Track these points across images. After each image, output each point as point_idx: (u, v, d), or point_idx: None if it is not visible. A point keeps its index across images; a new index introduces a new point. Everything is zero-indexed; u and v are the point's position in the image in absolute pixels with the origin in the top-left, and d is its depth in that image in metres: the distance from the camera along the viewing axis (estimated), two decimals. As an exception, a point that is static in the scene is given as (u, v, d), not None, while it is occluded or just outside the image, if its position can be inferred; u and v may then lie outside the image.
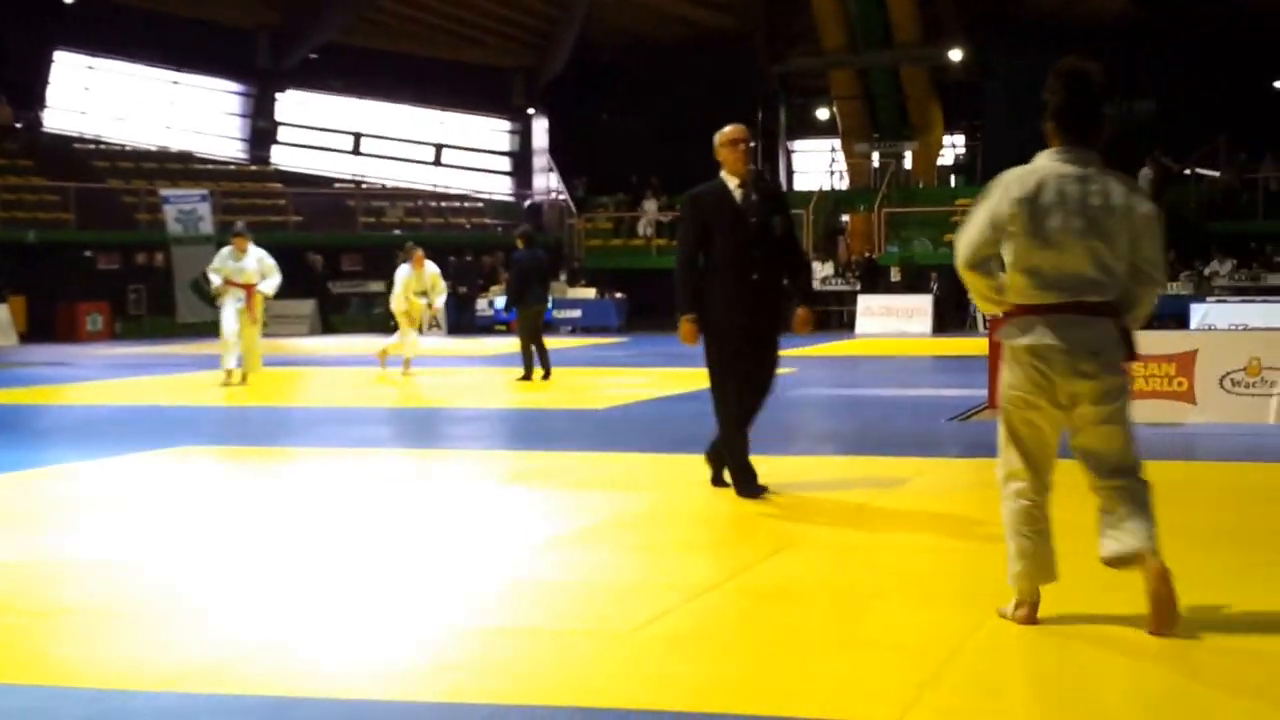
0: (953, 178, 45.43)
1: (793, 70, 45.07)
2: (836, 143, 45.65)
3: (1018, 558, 5.88)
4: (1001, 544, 6.03)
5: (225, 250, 19.30)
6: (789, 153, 49.00)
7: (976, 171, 44.42)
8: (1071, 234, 5.68)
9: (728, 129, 9.31)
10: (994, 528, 7.88)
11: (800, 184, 47.72)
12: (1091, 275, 5.69)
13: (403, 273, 20.60)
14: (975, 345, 22.38)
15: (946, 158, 46.29)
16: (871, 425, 13.95)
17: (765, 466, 10.48)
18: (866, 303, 34.92)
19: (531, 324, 19.35)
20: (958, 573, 7.03)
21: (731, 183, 9.25)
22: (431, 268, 20.78)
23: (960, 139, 46.57)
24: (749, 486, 9.27)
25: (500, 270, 38.43)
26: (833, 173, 45.92)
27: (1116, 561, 5.78)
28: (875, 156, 43.70)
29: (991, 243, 5.79)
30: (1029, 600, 5.88)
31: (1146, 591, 5.66)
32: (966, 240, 5.87)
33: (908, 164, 43.42)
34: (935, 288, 35.38)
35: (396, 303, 20.61)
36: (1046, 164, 5.85)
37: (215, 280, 19.11)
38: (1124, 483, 5.82)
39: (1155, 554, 5.68)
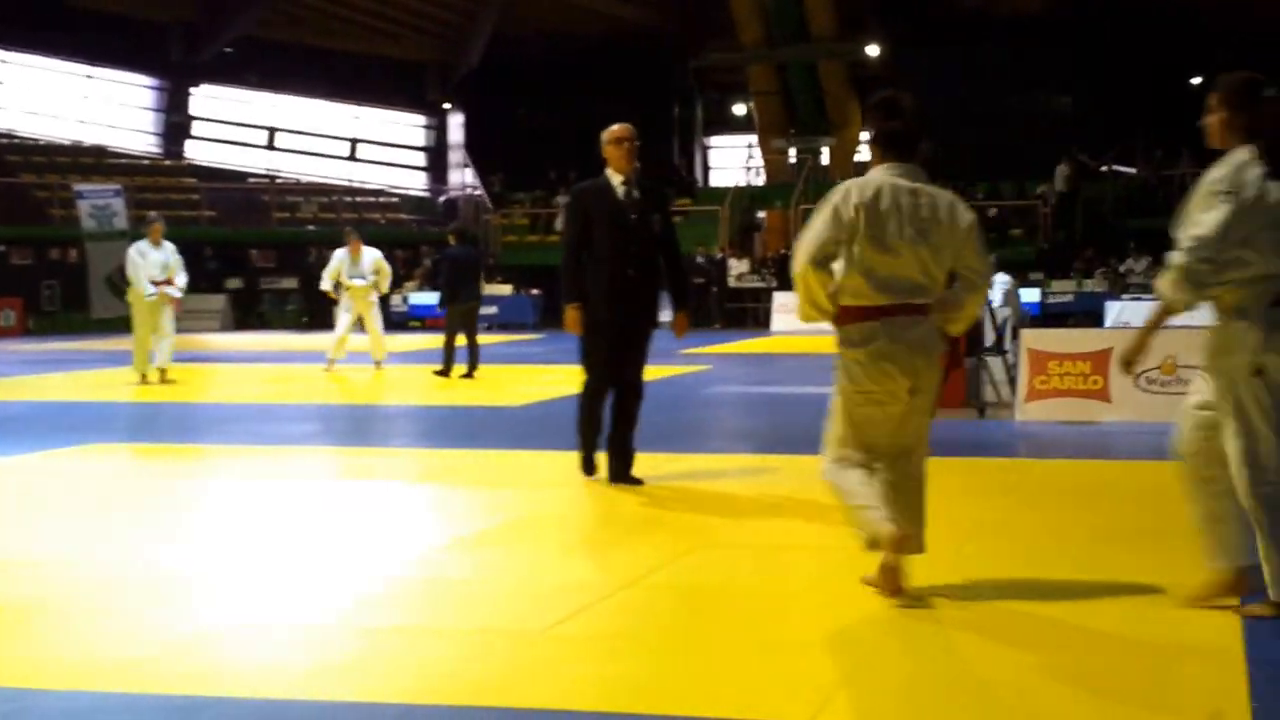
0: (869, 174, 45.71)
1: (709, 65, 45.10)
2: (753, 139, 45.76)
3: (867, 510, 6.19)
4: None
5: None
6: (705, 148, 49.12)
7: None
8: (905, 241, 6.17)
9: (614, 127, 9.61)
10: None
11: (716, 180, 47.85)
12: (919, 280, 6.20)
13: (337, 256, 20.62)
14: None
15: (864, 154, 46.51)
16: (786, 423, 13.99)
17: (680, 464, 10.55)
18: (782, 300, 34.96)
19: (464, 320, 19.21)
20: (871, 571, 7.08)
21: (615, 180, 9.54)
22: (372, 253, 20.67)
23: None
24: (588, 467, 9.76)
25: (424, 266, 38.34)
26: (749, 169, 46.03)
27: (876, 544, 6.23)
28: (792, 153, 43.77)
29: (834, 242, 6.17)
30: (892, 565, 6.13)
31: (880, 561, 6.18)
32: (811, 239, 6.20)
33: (825, 160, 43.56)
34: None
35: (324, 282, 20.65)
36: (882, 176, 6.29)
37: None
38: (912, 469, 6.37)
39: (915, 537, 6.25)
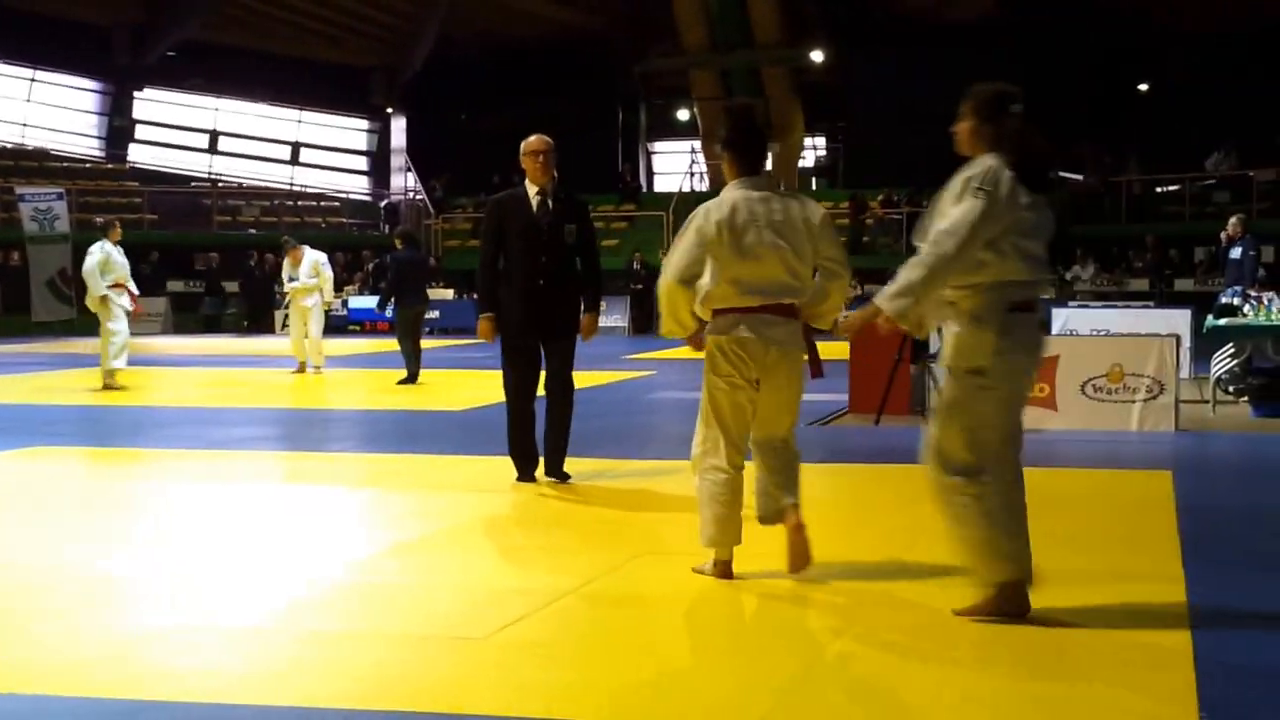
0: (814, 180, 45.74)
1: (653, 70, 45.10)
2: (697, 144, 45.81)
3: (713, 522, 6.82)
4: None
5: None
6: (649, 153, 49.12)
7: (839, 173, 44.83)
8: (765, 246, 6.71)
9: (531, 139, 9.85)
10: (848, 533, 8.02)
11: (660, 185, 47.83)
12: (785, 279, 6.74)
13: (288, 268, 21.01)
14: (837, 349, 22.53)
15: (808, 160, 46.64)
16: (730, 427, 14.00)
17: (622, 469, 10.59)
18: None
19: (411, 326, 19.10)
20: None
21: (531, 191, 9.80)
22: (313, 256, 20.71)
23: (821, 141, 46.95)
24: (524, 474, 10.00)
25: (365, 270, 38.24)
26: (693, 174, 46.06)
27: (768, 519, 6.94)
28: (735, 158, 43.77)
29: (699, 260, 6.70)
30: (725, 559, 6.88)
31: (787, 541, 6.80)
32: (679, 259, 6.73)
33: (768, 165, 43.57)
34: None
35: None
36: (734, 193, 6.86)
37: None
38: (782, 449, 6.95)
39: (797, 508, 6.83)
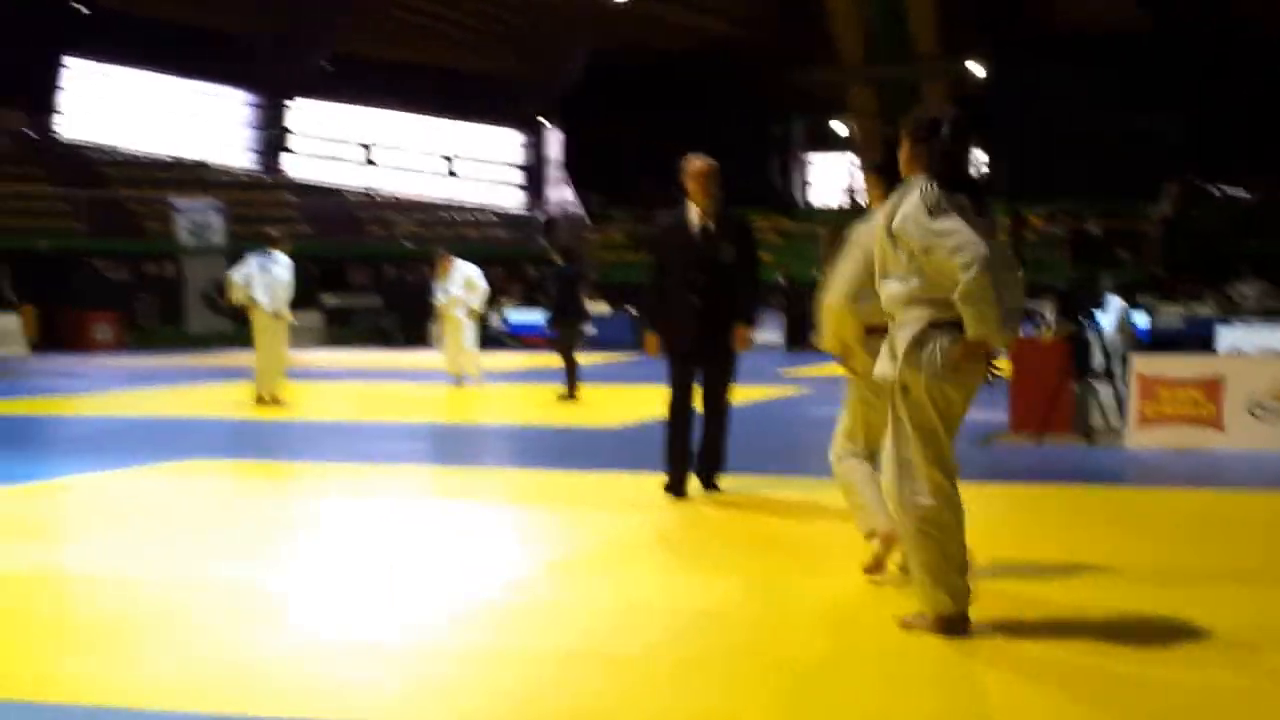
0: (972, 195, 45.35)
1: (808, 83, 44.93)
2: (853, 157, 45.59)
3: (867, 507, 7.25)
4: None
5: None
6: (804, 166, 48.97)
7: (999, 189, 44.27)
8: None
9: (695, 162, 10.05)
10: (1017, 554, 7.86)
11: (816, 199, 47.68)
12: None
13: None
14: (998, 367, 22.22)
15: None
16: (887, 447, 13.81)
17: (777, 486, 10.52)
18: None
19: (570, 340, 19.17)
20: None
21: (693, 211, 10.06)
22: (465, 269, 20.89)
23: (980, 155, 46.48)
24: (677, 490, 10.14)
25: (527, 283, 38.47)
26: (850, 189, 45.83)
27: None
28: (893, 172, 43.46)
29: (865, 277, 6.61)
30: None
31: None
32: (846, 278, 7.00)
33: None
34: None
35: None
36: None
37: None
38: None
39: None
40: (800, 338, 35.48)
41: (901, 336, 6.08)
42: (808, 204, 47.19)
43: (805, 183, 49.17)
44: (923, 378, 6.03)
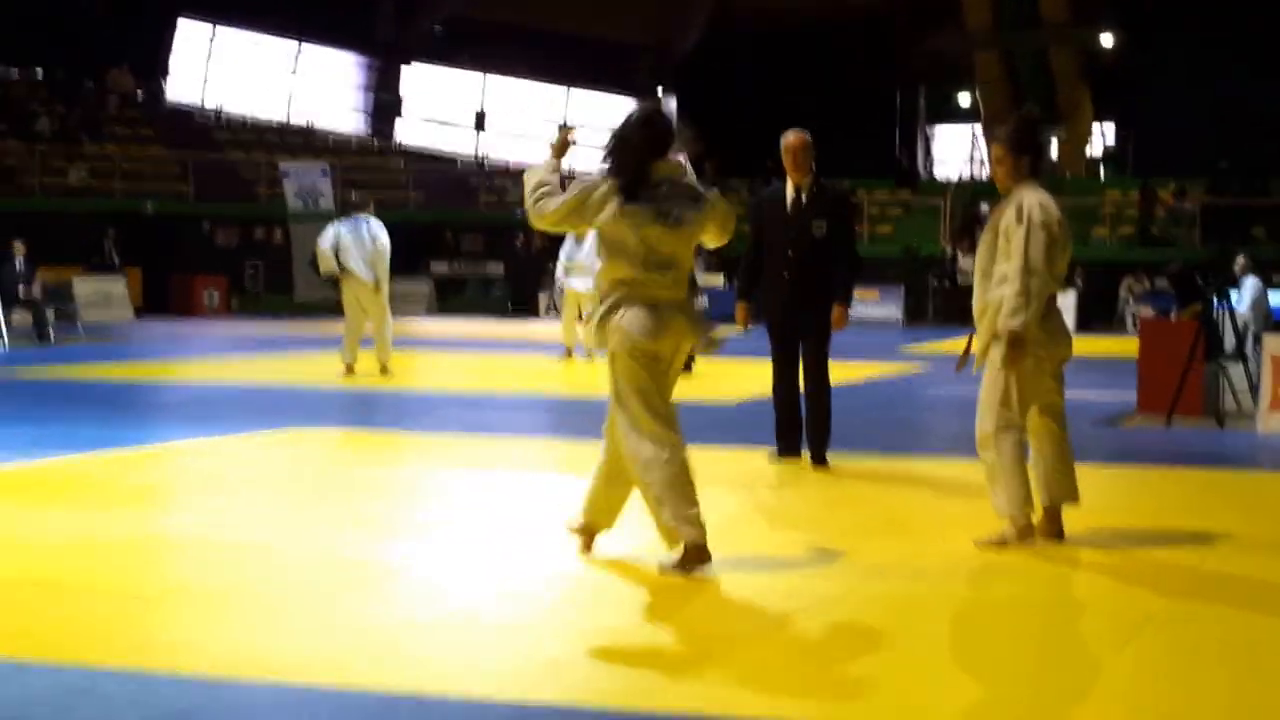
0: (1102, 168, 44.76)
1: (933, 51, 44.52)
2: (978, 128, 45.16)
3: (1020, 486, 7.46)
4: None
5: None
6: (927, 138, 48.59)
7: (1128, 162, 43.72)
8: None
9: (788, 135, 10.24)
10: (1145, 544, 7.76)
11: (939, 171, 47.33)
12: None
13: (566, 247, 20.09)
14: (1123, 345, 22.00)
15: (1095, 147, 45.60)
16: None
17: (893, 466, 10.48)
18: (1010, 298, 34.19)
19: None
20: (1104, 592, 6.92)
21: (788, 185, 10.26)
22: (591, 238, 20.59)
23: (1111, 127, 45.87)
24: (782, 455, 10.51)
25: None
26: (973, 160, 45.41)
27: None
28: (1019, 143, 42.89)
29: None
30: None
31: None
32: (1045, 262, 7.48)
33: (1054, 153, 42.78)
34: (1079, 283, 34.85)
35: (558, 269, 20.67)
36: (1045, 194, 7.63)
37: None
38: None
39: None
40: (920, 312, 35.27)
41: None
42: (931, 176, 46.79)
43: (929, 155, 48.79)
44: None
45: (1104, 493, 9.42)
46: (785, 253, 10.18)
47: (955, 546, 7.53)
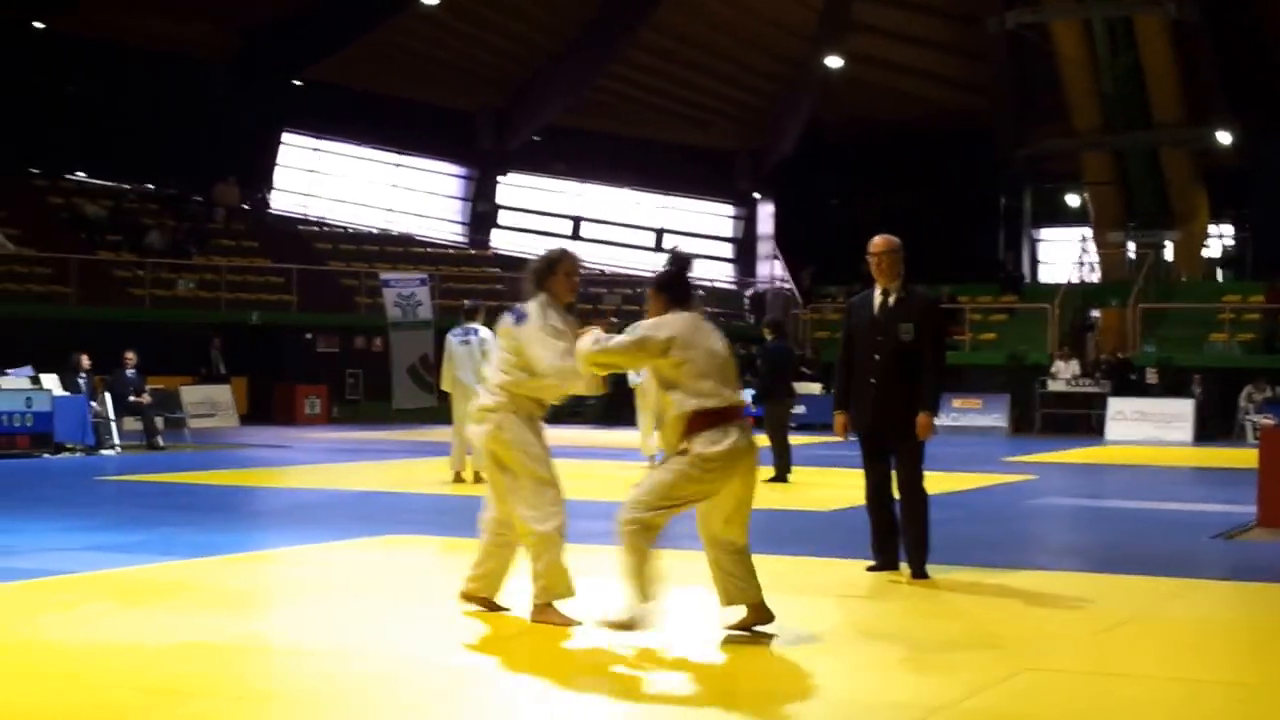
0: (1219, 271, 44.27)
1: (1040, 153, 44.27)
2: (1087, 231, 44.83)
3: None
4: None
5: None
6: (1034, 241, 48.34)
7: (1246, 264, 43.21)
8: None
9: (875, 241, 10.48)
10: (1264, 664, 7.65)
11: (1046, 275, 47.06)
12: None
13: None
14: (1242, 456, 21.73)
15: (1213, 249, 45.11)
16: (1121, 540, 13.49)
17: (1000, 580, 10.40)
18: (1118, 406, 33.87)
19: (779, 420, 19.13)
20: (1214, 713, 6.82)
21: (877, 291, 10.43)
22: None
23: (1228, 229, 45.37)
24: (878, 569, 10.51)
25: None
26: (1082, 264, 45.02)
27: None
28: (1131, 247, 42.54)
29: None
30: None
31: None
32: None
33: (1168, 255, 42.35)
34: (1198, 391, 34.43)
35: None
36: None
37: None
38: None
39: None
40: (1026, 422, 34.99)
41: None
42: (1036, 280, 46.48)
43: (1035, 258, 48.50)
44: None
45: (1220, 609, 9.32)
46: (873, 358, 10.28)
47: (1054, 661, 7.45)
